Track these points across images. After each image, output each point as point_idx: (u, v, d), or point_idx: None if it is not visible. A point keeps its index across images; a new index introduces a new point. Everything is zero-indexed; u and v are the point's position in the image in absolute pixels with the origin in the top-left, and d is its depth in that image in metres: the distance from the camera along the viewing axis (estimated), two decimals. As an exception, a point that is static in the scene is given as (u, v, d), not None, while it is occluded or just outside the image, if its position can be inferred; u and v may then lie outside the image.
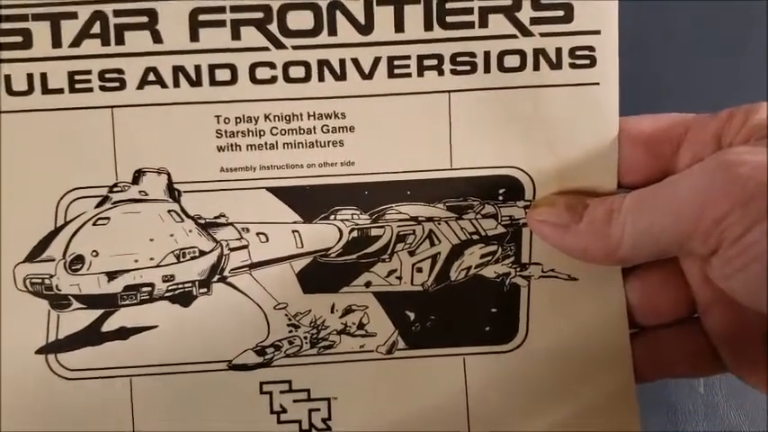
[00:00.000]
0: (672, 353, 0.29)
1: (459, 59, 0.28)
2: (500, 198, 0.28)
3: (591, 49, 0.28)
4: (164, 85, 0.27)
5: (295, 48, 0.27)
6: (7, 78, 0.27)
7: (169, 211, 0.28)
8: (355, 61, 0.27)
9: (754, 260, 0.23)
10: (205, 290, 0.28)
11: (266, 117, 0.28)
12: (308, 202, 0.28)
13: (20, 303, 0.28)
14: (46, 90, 0.27)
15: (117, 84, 0.27)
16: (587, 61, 0.28)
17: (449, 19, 0.27)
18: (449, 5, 0.27)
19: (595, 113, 0.28)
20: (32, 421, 0.28)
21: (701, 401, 0.37)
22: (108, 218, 0.28)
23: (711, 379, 0.37)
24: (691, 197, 0.24)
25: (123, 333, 0.28)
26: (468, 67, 0.28)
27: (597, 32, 0.27)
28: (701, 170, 0.24)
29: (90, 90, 0.27)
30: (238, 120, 0.28)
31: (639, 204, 0.26)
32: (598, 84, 0.28)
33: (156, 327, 0.28)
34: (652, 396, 0.37)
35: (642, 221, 0.25)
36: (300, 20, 0.27)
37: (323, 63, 0.27)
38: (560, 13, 0.27)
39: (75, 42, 0.27)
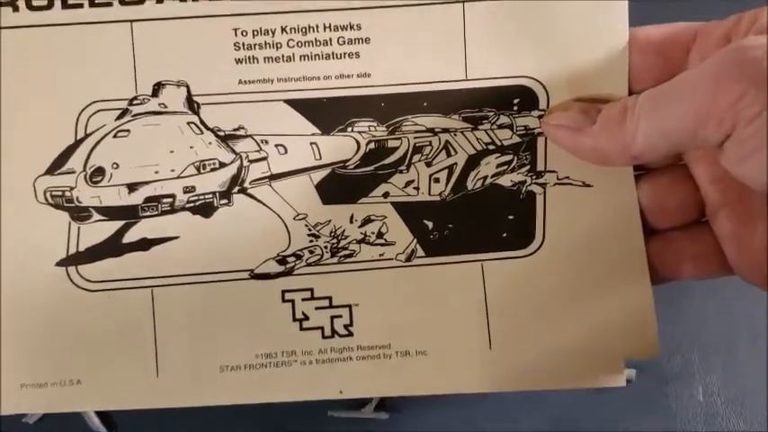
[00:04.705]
0: (681, 254, 0.29)
1: None
2: (515, 108, 0.29)
3: None
4: None
5: None
6: (27, -7, 0.28)
7: (189, 123, 0.28)
8: None
9: (768, 140, 0.23)
10: (226, 201, 0.28)
11: (283, 29, 0.28)
12: (326, 114, 0.29)
13: (40, 216, 0.28)
14: (66, 5, 0.28)
15: None
16: None
17: None
18: None
19: (606, 21, 0.28)
20: (54, 333, 0.28)
21: (701, 409, 0.38)
22: (128, 130, 0.28)
23: (710, 386, 0.38)
24: (704, 83, 0.24)
25: (144, 244, 0.28)
26: None
27: None
28: (714, 58, 0.25)
29: (110, 4, 0.28)
30: (255, 32, 0.28)
31: (653, 99, 0.26)
32: None
33: (177, 237, 0.28)
34: (651, 402, 0.38)
35: (656, 115, 0.26)
36: None
37: None
38: None
39: (95, -43, 0.27)
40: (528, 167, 0.29)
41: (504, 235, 0.29)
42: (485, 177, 0.29)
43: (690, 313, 0.38)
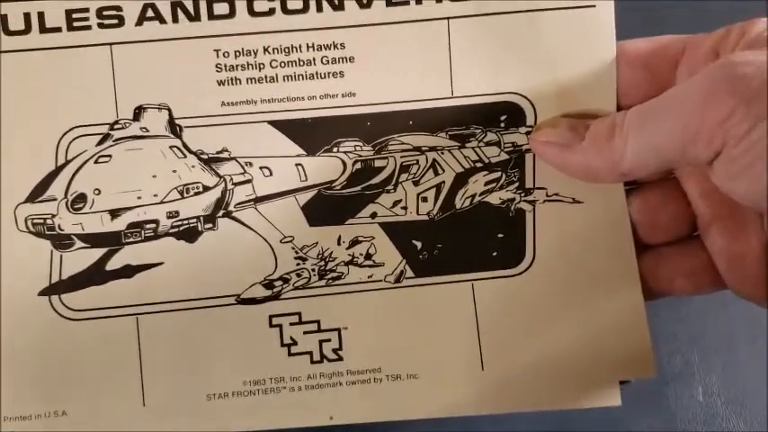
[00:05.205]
0: (673, 270, 0.29)
1: None
2: (502, 125, 0.29)
3: None
4: (162, 21, 0.27)
5: None
6: (4, 18, 0.27)
7: (171, 147, 0.28)
8: None
9: (758, 158, 0.23)
10: (210, 225, 0.28)
11: (265, 50, 0.28)
12: (311, 134, 0.28)
13: (21, 245, 0.27)
14: (44, 29, 0.27)
15: (115, 21, 0.27)
16: None
17: None
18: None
19: (592, 36, 0.28)
20: (37, 364, 0.27)
21: (701, 409, 0.37)
22: (110, 155, 0.28)
23: (710, 386, 0.38)
24: (692, 100, 0.24)
25: (128, 271, 0.28)
26: None
27: None
28: (703, 74, 0.24)
29: (88, 28, 0.27)
30: (238, 53, 0.28)
31: (641, 115, 0.26)
32: (594, 6, 0.28)
33: (161, 264, 0.28)
34: (651, 402, 0.38)
35: (644, 132, 0.25)
36: None
37: None
38: None
39: (72, -20, 0.27)
40: (516, 185, 0.29)
41: (494, 253, 0.29)
42: (473, 195, 0.29)
43: (690, 313, 0.38)
